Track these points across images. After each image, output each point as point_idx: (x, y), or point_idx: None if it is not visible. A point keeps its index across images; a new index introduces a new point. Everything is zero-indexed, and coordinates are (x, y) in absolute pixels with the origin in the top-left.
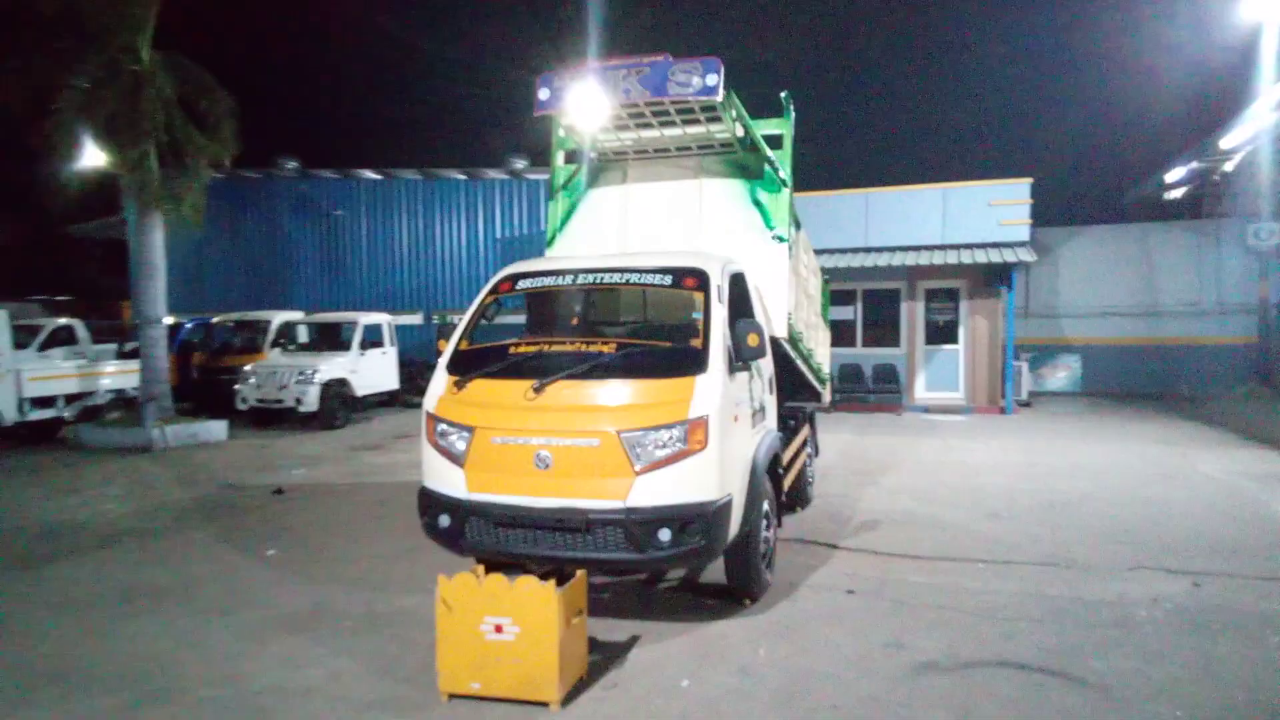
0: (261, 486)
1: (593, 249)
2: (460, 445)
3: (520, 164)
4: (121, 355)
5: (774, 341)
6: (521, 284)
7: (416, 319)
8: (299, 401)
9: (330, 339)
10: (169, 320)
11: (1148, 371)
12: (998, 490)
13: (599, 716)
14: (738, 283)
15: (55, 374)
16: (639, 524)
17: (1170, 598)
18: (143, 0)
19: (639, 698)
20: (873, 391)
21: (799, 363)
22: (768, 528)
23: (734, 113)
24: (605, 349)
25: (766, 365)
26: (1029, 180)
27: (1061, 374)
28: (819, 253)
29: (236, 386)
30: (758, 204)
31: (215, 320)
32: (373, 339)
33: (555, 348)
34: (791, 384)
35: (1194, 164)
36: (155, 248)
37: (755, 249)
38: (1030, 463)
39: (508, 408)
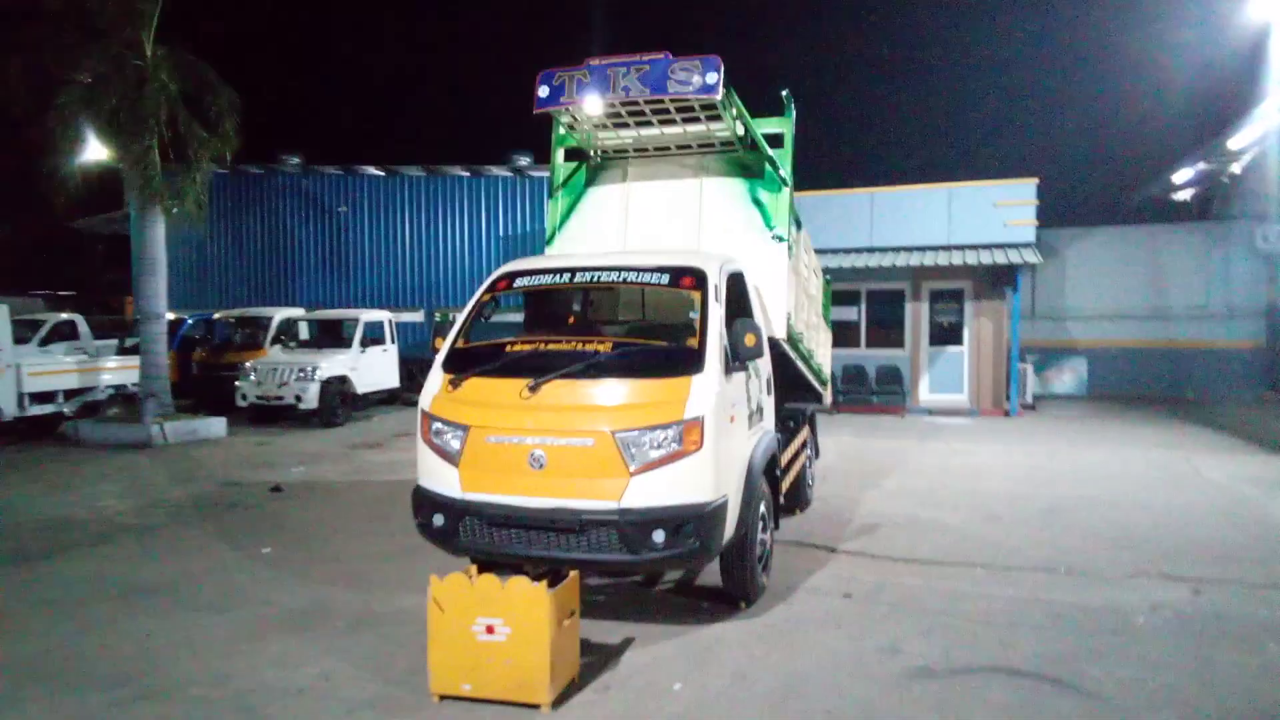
0: (260, 484)
1: (592, 248)
2: (455, 444)
3: (524, 161)
4: (122, 351)
5: (773, 342)
6: (519, 282)
7: (419, 317)
8: (299, 399)
9: (331, 336)
10: (170, 316)
11: (1155, 375)
12: (999, 494)
13: (590, 719)
14: (736, 282)
15: (55, 369)
16: (633, 525)
17: (1170, 605)
18: None
19: (631, 700)
20: (876, 393)
21: (799, 363)
22: (764, 530)
23: (734, 111)
24: (601, 348)
25: (764, 366)
26: (1035, 181)
27: (1067, 377)
28: (823, 252)
29: (237, 383)
30: (758, 203)
31: (216, 316)
32: (374, 336)
33: (551, 346)
34: (791, 385)
35: (1202, 165)
36: (157, 243)
37: (755, 248)
38: (1033, 466)
39: (503, 407)
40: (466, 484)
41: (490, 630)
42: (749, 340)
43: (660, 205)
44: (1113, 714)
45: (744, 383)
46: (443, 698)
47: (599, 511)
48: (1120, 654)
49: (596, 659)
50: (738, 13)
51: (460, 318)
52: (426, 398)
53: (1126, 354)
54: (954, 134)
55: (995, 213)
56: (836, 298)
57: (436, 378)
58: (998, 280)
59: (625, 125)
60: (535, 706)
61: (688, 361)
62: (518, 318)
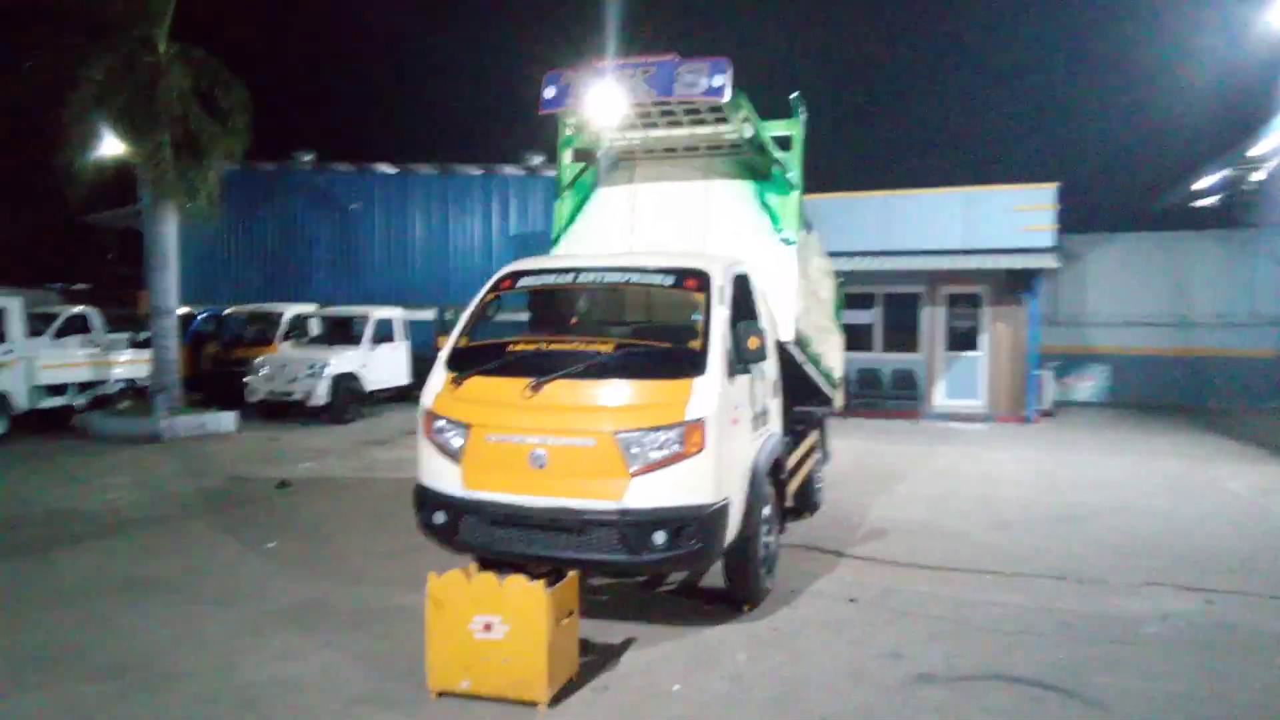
0: (267, 479)
1: (598, 249)
2: (456, 442)
3: (537, 160)
4: (134, 345)
5: (781, 345)
6: (523, 281)
7: (430, 314)
8: (309, 395)
9: (342, 333)
10: (182, 311)
11: (1176, 383)
12: (1012, 501)
13: (587, 718)
14: (741, 284)
15: (67, 362)
16: (633, 526)
17: (1181, 615)
18: None
19: (629, 701)
20: (891, 397)
21: (807, 367)
22: (768, 533)
23: (742, 114)
24: (603, 349)
25: (771, 368)
26: (1054, 186)
27: (1087, 383)
28: (838, 255)
29: (247, 379)
30: (766, 206)
31: (228, 312)
32: (384, 334)
33: (554, 346)
34: (801, 388)
35: (1225, 172)
36: (168, 239)
37: (763, 251)
38: (1048, 473)
39: (504, 405)
40: (468, 482)
41: (488, 628)
42: (753, 343)
43: (667, 207)
44: None
45: (748, 385)
46: (441, 694)
47: (599, 511)
48: (1127, 663)
49: (596, 658)
50: (754, 14)
51: (464, 316)
52: (429, 395)
53: (1148, 361)
54: (973, 138)
55: (1013, 217)
56: (851, 301)
57: (439, 376)
58: (1016, 285)
59: (633, 127)
60: (533, 704)
61: (690, 363)
62: (525, 316)
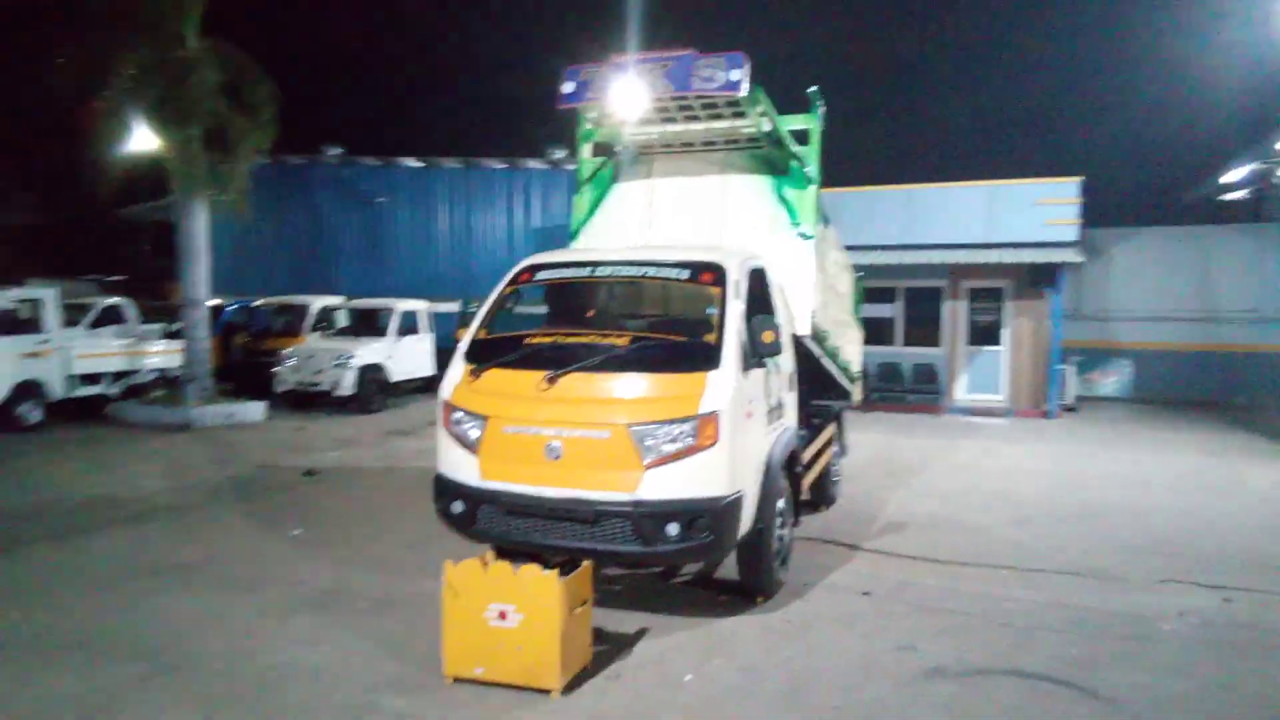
0: (294, 468)
1: (617, 242)
2: (474, 433)
3: (560, 154)
4: (167, 335)
5: (798, 339)
6: (541, 275)
7: (454, 307)
8: (335, 385)
9: (368, 325)
10: (213, 302)
11: (1203, 379)
12: (1031, 496)
13: (599, 706)
14: (757, 278)
15: (102, 352)
16: (646, 517)
17: (1197, 612)
18: None
19: (641, 690)
20: (912, 391)
21: (825, 361)
22: (783, 526)
23: (760, 108)
24: (619, 342)
25: (786, 362)
26: (1078, 179)
27: (1111, 378)
28: (859, 249)
29: (275, 369)
30: (783, 200)
31: (257, 303)
32: (409, 325)
33: (570, 339)
34: (818, 382)
35: (1253, 165)
36: (199, 232)
37: (780, 245)
38: (1068, 469)
39: (521, 398)
40: (485, 472)
41: (503, 616)
42: (767, 336)
43: (685, 201)
44: (1123, 719)
45: (763, 379)
46: (456, 680)
47: (613, 503)
48: (1140, 660)
49: (610, 647)
50: (775, 6)
51: (482, 309)
52: (448, 387)
53: (1174, 356)
54: (996, 132)
55: (1036, 211)
56: (872, 295)
57: (458, 368)
58: (1038, 279)
59: (651, 121)
60: (546, 692)
61: (705, 357)
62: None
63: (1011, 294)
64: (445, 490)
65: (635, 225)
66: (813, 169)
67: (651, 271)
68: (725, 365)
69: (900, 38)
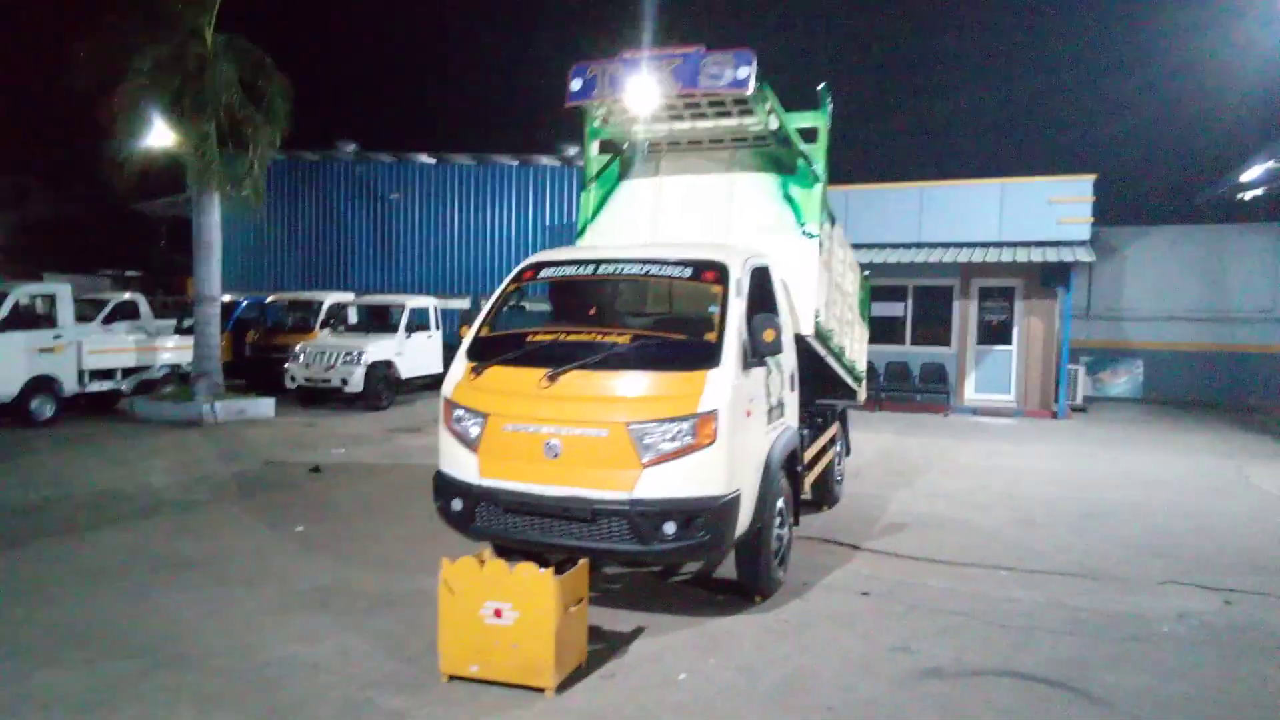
0: (301, 464)
1: (623, 240)
2: (474, 431)
3: (572, 151)
4: (179, 331)
5: (801, 338)
6: (544, 273)
7: (465, 304)
8: (345, 382)
9: (378, 321)
10: (226, 298)
11: (1215, 379)
12: (1036, 497)
13: (593, 705)
14: (760, 277)
15: (114, 347)
16: (644, 516)
17: (1197, 614)
18: None
19: (635, 688)
20: (920, 391)
21: (829, 360)
22: (782, 525)
23: (767, 105)
24: (619, 340)
25: (788, 361)
26: (1091, 177)
27: (1122, 379)
28: (869, 247)
29: (286, 365)
30: (789, 199)
31: (269, 299)
32: (419, 322)
33: (571, 338)
34: (823, 381)
35: (1269, 164)
36: (212, 227)
37: (785, 244)
38: (1075, 470)
39: (520, 395)
40: (484, 470)
41: (498, 614)
42: (768, 335)
43: (691, 199)
44: None
45: (764, 377)
46: (452, 678)
47: (611, 501)
48: (1137, 661)
49: (605, 646)
50: (787, 3)
51: (485, 307)
52: (449, 385)
53: (1186, 357)
54: (1008, 129)
55: (1049, 209)
56: (882, 293)
57: (459, 366)
58: (1050, 279)
59: (658, 119)
60: (540, 690)
61: (705, 355)
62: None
63: (1022, 293)
64: (445, 488)
65: (642, 223)
66: (820, 167)
67: (654, 270)
68: (725, 364)
69: (912, 35)
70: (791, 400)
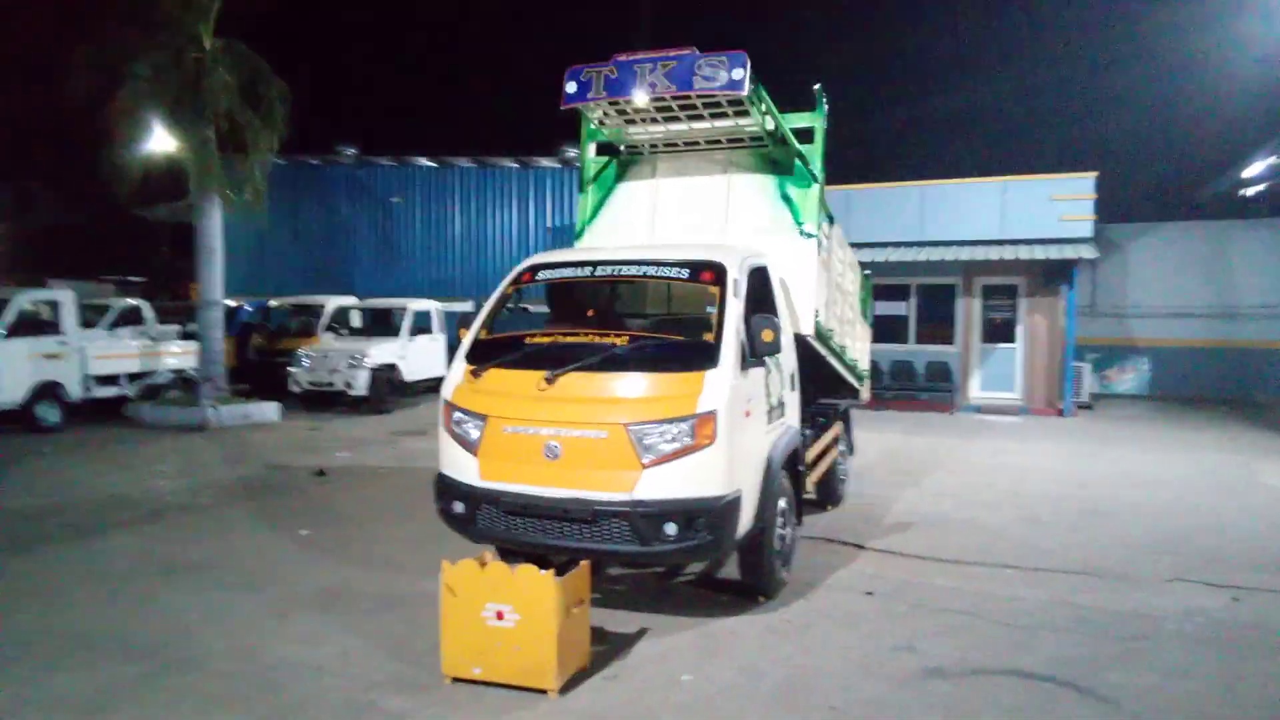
0: (305, 468)
1: (621, 242)
2: (474, 433)
3: (572, 153)
4: (184, 336)
5: (801, 338)
6: (542, 275)
7: (468, 306)
8: (349, 385)
9: (381, 325)
10: (229, 303)
11: (1221, 376)
12: (1041, 495)
13: (596, 706)
14: (758, 277)
15: (119, 353)
16: (644, 517)
17: (1204, 612)
18: None
19: (638, 690)
20: (925, 390)
21: (831, 360)
22: (784, 525)
23: (762, 106)
24: (618, 341)
25: (787, 361)
26: (1093, 175)
27: (1128, 376)
28: (871, 246)
29: (290, 369)
30: (786, 199)
31: (273, 304)
32: (422, 325)
33: (569, 339)
34: (825, 381)
35: (1273, 159)
36: (214, 232)
37: (783, 245)
38: (1081, 467)
39: (520, 397)
40: (484, 473)
41: (500, 616)
42: (766, 335)
43: (689, 201)
44: None
45: (763, 378)
46: (454, 680)
47: (611, 502)
48: (1144, 660)
49: (609, 647)
50: (786, 4)
51: (484, 309)
52: (449, 387)
53: (1192, 353)
54: (1009, 127)
55: (1051, 207)
56: (885, 292)
57: (459, 368)
58: (1053, 276)
59: (653, 121)
60: (543, 692)
61: (703, 356)
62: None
63: (1026, 291)
64: (446, 490)
65: (639, 225)
66: (817, 167)
67: (651, 271)
68: (723, 364)
69: (912, 32)
70: (792, 400)
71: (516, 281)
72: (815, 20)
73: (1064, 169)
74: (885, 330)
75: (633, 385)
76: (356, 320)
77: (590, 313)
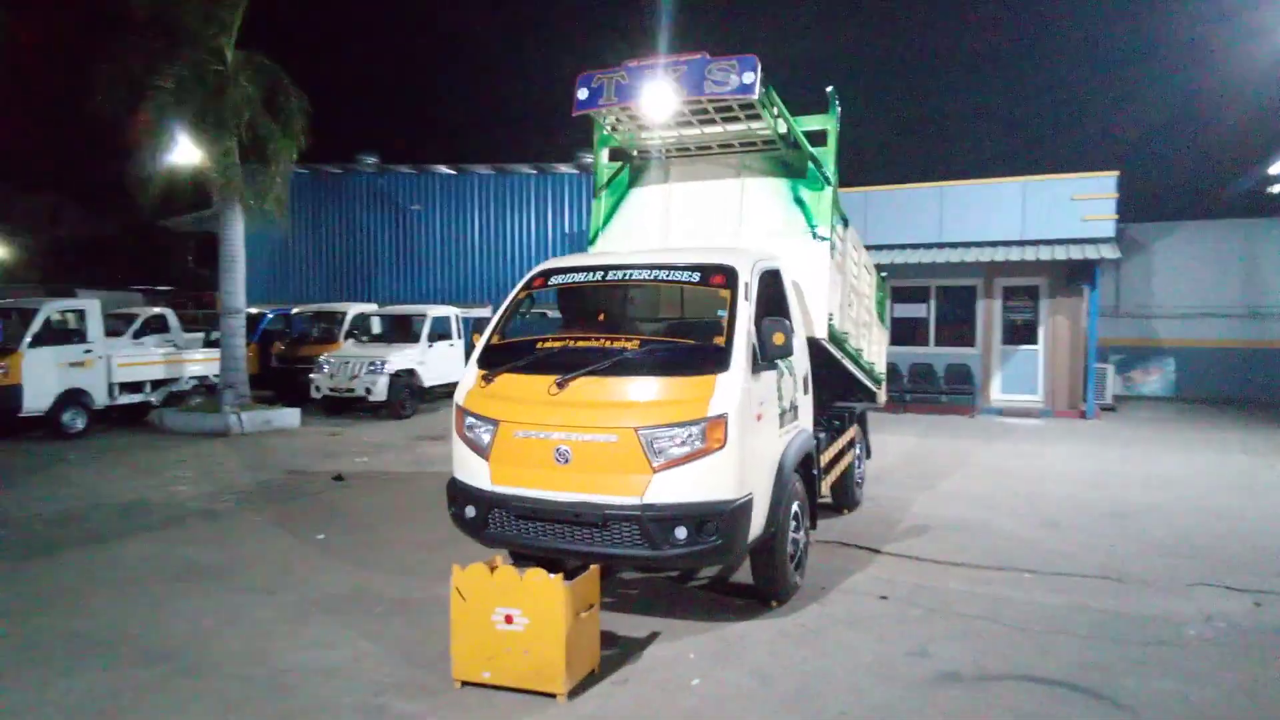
0: (324, 473)
1: (635, 247)
2: (486, 438)
3: (589, 159)
4: (208, 344)
5: (815, 342)
6: (554, 280)
7: (486, 312)
8: (369, 391)
9: (401, 331)
10: (252, 310)
11: (1248, 377)
12: (1062, 498)
13: (605, 710)
14: (770, 280)
15: (143, 360)
16: (655, 521)
17: (1226, 617)
18: (229, 2)
19: (648, 693)
20: (945, 392)
21: (846, 362)
22: (797, 529)
23: (774, 110)
24: (628, 346)
25: (800, 364)
26: (1115, 174)
27: (1153, 377)
28: (890, 248)
29: (311, 375)
30: (800, 202)
31: (294, 311)
32: (441, 331)
33: (580, 344)
34: (840, 384)
35: None
36: (236, 241)
37: (797, 248)
38: (1102, 470)
39: (531, 402)
40: (496, 477)
41: (509, 620)
42: (777, 339)
43: (702, 204)
44: None
45: (775, 381)
46: (464, 684)
47: (621, 507)
48: (1162, 666)
49: (619, 651)
50: (805, 3)
51: (496, 315)
52: (461, 392)
53: (1218, 354)
54: (1030, 126)
55: (1072, 207)
56: (904, 295)
57: (471, 373)
58: (1075, 276)
59: (666, 125)
60: (552, 696)
61: (713, 359)
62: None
63: (1047, 292)
64: (458, 495)
65: (652, 230)
66: (830, 170)
67: (662, 275)
68: (734, 368)
69: (931, 33)
70: (805, 403)
71: (529, 287)
72: (834, 21)
73: (1086, 167)
74: (904, 333)
75: (643, 389)
76: (376, 327)
77: (602, 317)
